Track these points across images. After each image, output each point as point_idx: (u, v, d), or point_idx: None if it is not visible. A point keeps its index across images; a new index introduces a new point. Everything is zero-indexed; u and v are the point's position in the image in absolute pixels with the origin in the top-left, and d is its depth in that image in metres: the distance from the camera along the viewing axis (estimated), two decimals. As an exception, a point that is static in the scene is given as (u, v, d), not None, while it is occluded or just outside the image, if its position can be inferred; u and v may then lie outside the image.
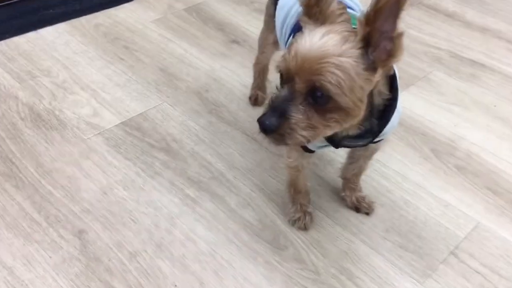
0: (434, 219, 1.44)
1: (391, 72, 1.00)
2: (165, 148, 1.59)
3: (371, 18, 0.87)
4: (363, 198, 1.45)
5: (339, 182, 1.46)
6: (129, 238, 1.33)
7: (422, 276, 1.28)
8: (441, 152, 1.64)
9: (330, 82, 0.88)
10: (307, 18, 0.96)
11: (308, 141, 0.96)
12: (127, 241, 1.32)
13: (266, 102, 0.99)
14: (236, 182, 1.50)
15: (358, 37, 0.90)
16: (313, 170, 1.56)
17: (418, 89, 1.89)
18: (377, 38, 0.89)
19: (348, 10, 1.02)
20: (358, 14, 0.99)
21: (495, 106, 1.84)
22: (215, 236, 1.35)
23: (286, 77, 0.93)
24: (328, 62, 0.88)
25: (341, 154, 1.52)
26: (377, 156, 1.43)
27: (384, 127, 1.08)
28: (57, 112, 1.68)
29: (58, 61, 1.90)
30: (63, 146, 1.57)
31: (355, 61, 0.89)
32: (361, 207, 1.44)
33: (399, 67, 1.07)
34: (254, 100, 1.77)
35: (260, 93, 1.76)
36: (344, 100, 0.91)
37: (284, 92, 0.93)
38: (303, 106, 0.92)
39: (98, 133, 1.62)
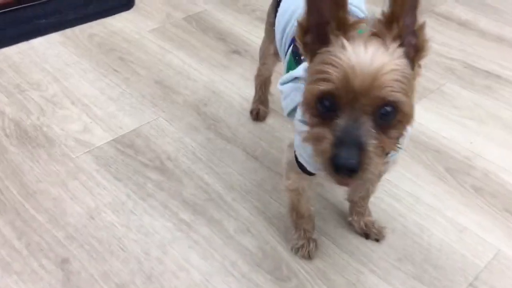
0: (450, 246, 1.32)
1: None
2: (159, 167, 1.48)
3: (396, 15, 0.79)
4: (373, 223, 1.33)
5: (346, 204, 1.35)
6: (117, 268, 1.21)
7: (439, 312, 1.17)
8: (456, 171, 1.52)
9: (399, 92, 0.78)
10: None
11: (383, 170, 0.84)
12: (114, 271, 1.21)
13: (330, 140, 0.80)
14: (234, 205, 1.39)
15: (391, 38, 0.80)
16: (317, 192, 1.44)
17: (431, 102, 1.78)
18: (403, 35, 0.81)
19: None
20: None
21: (513, 120, 1.73)
22: (211, 266, 1.23)
23: (346, 100, 0.78)
24: (391, 70, 0.77)
25: (348, 174, 1.40)
26: (387, 175, 1.32)
27: None
28: (45, 129, 1.58)
29: (49, 73, 1.81)
30: (50, 165, 1.47)
31: (405, 63, 0.80)
32: (371, 233, 1.33)
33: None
34: (256, 115, 1.66)
35: (262, 107, 1.65)
36: (408, 108, 0.80)
37: (350, 118, 0.79)
38: (373, 130, 0.80)
39: (88, 151, 1.51)
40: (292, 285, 1.21)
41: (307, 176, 1.14)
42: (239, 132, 1.62)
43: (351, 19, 0.80)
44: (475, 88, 1.87)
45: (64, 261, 1.22)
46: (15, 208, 1.34)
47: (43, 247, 1.25)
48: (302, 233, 1.27)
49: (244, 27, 2.11)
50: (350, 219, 1.34)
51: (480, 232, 1.36)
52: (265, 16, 1.48)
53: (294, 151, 1.10)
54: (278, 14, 1.24)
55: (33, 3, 2.10)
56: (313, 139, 0.84)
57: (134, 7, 2.19)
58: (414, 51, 0.82)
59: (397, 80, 0.78)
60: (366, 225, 1.33)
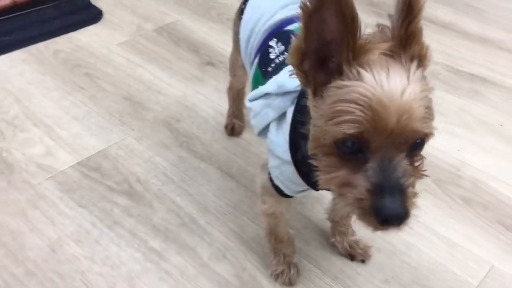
0: (440, 264, 1.23)
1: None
2: (127, 191, 1.38)
3: (415, 33, 0.72)
4: (357, 242, 1.24)
5: (328, 223, 1.26)
6: (80, 306, 1.11)
7: None
8: (444, 182, 1.44)
9: (430, 120, 0.71)
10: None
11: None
12: (77, 310, 1.11)
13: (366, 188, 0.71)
14: (209, 229, 1.29)
15: (409, 58, 0.72)
16: (298, 210, 1.35)
17: (415, 109, 1.69)
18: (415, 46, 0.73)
19: None
20: None
21: (501, 125, 1.65)
22: (183, 299, 1.14)
23: (377, 141, 0.69)
24: (420, 99, 0.69)
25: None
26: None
27: None
28: (4, 154, 1.47)
29: (11, 93, 1.70)
30: (8, 193, 1.36)
31: (427, 84, 0.72)
32: (356, 254, 1.24)
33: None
34: (231, 130, 1.57)
35: (237, 122, 1.56)
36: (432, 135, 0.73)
37: (383, 159, 0.70)
38: (407, 164, 0.72)
39: (50, 177, 1.40)
40: (272, 316, 1.11)
41: (285, 199, 1.05)
42: (214, 149, 1.52)
43: (363, 41, 0.70)
44: (461, 92, 1.79)
45: (22, 301, 1.12)
46: (-31, 243, 1.23)
47: (0, 285, 1.15)
48: (281, 258, 1.18)
49: (219, 37, 2.02)
50: (333, 240, 1.25)
51: (472, 247, 1.27)
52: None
53: (269, 173, 1.01)
54: (242, 22, 1.15)
55: (-4, 20, 2.00)
56: (339, 184, 0.75)
57: (102, 20, 2.09)
58: (418, 60, 0.73)
59: (427, 108, 0.70)
60: (350, 245, 1.24)
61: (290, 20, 1.03)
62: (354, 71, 0.69)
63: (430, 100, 0.72)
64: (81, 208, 1.32)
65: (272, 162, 0.98)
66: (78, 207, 1.33)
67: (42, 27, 2.01)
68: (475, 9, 2.27)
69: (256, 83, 1.02)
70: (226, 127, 1.58)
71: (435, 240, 1.29)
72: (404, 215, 0.71)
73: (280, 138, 0.93)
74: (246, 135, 1.57)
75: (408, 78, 0.69)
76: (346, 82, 0.69)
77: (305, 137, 0.84)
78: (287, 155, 0.92)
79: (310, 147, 0.78)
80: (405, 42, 0.72)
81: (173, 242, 1.26)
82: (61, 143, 1.51)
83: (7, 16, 2.03)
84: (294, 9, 1.05)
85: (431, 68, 2.00)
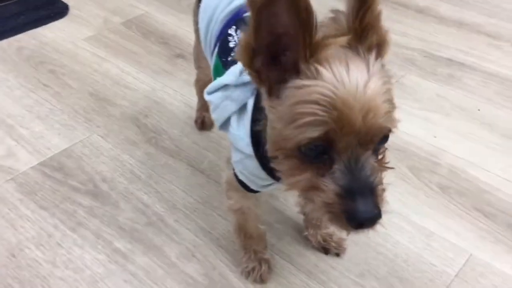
0: (417, 255, 1.19)
1: None
2: (92, 191, 1.32)
3: (372, 23, 0.68)
4: (331, 235, 1.20)
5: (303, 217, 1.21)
6: (39, 313, 1.06)
7: (407, 334, 1.04)
8: (421, 170, 1.40)
9: (392, 112, 0.68)
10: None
11: None
12: (36, 318, 1.05)
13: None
14: (177, 227, 1.24)
15: (366, 49, 0.68)
16: (271, 204, 1.30)
17: (390, 97, 1.65)
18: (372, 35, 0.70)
19: None
20: None
21: (479, 110, 1.61)
22: (149, 301, 1.09)
23: (343, 142, 0.65)
24: (383, 93, 0.66)
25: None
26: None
27: None
28: (-37, 156, 1.41)
29: (-29, 93, 1.63)
30: (-34, 198, 1.30)
31: (387, 75, 0.70)
32: (330, 247, 1.19)
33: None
34: (201, 124, 1.51)
35: (207, 115, 1.51)
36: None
37: (350, 159, 0.67)
38: (374, 161, 0.69)
39: (11, 179, 1.34)
40: (242, 315, 1.07)
41: (251, 194, 1.00)
42: (183, 144, 1.47)
43: (319, 37, 0.65)
44: (437, 78, 1.75)
45: (-22, 310, 1.06)
46: None
47: (-46, 295, 1.09)
48: (252, 255, 1.14)
49: (189, 29, 1.92)
50: (306, 233, 1.21)
51: (449, 236, 1.24)
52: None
53: (233, 168, 0.96)
54: (200, 10, 1.10)
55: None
56: (305, 188, 0.70)
57: (68, 14, 2.02)
58: (377, 48, 0.69)
59: (389, 100, 0.66)
60: (323, 238, 1.19)
61: (248, 6, 0.98)
62: (312, 69, 0.65)
63: (391, 90, 0.68)
64: (42, 210, 1.27)
65: (235, 157, 0.93)
66: (39, 209, 1.27)
67: (5, 24, 1.94)
68: (451, -8, 2.24)
69: (217, 74, 0.97)
70: (196, 121, 1.53)
71: (411, 230, 1.25)
72: (377, 216, 0.67)
73: (241, 131, 0.88)
74: (217, 128, 1.52)
75: (368, 71, 0.66)
76: (305, 82, 0.65)
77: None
78: (249, 149, 0.87)
79: (269, 149, 0.74)
80: (361, 34, 0.68)
81: (140, 243, 1.20)
82: (23, 143, 1.45)
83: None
84: (254, -6, 1.00)
85: (407, 54, 1.97)
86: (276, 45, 0.66)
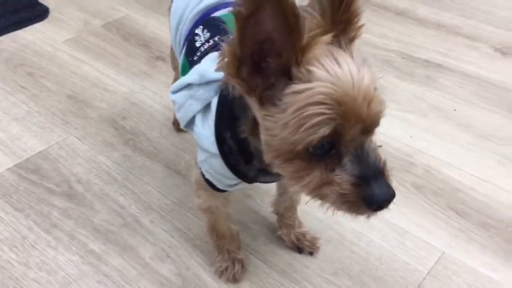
0: (391, 253, 1.20)
1: None
2: (67, 193, 1.32)
3: (353, 16, 0.71)
4: (304, 234, 1.21)
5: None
6: (11, 315, 1.06)
7: (378, 332, 1.05)
8: (396, 170, 1.41)
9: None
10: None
11: None
12: (8, 320, 1.05)
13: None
14: (153, 228, 1.24)
15: (347, 42, 0.71)
16: (247, 204, 1.31)
17: (368, 98, 1.67)
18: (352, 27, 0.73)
19: None
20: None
21: (455, 110, 1.63)
22: (123, 302, 1.09)
23: (348, 135, 0.68)
24: (372, 80, 0.69)
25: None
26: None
27: None
28: None
29: None
30: None
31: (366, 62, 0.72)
32: (303, 246, 1.20)
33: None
34: (178, 125, 1.51)
35: (184, 116, 1.51)
36: None
37: (356, 148, 0.69)
38: (376, 147, 0.72)
39: (-15, 181, 1.35)
40: (215, 315, 1.07)
41: (219, 194, 1.01)
42: (161, 146, 1.47)
43: (308, 39, 0.65)
44: (415, 79, 1.77)
45: None
46: None
47: None
48: (226, 255, 1.14)
49: (169, 31, 1.96)
50: (279, 233, 1.22)
51: (422, 235, 1.25)
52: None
53: (200, 167, 0.97)
54: (171, 11, 1.11)
55: None
56: (317, 187, 0.72)
57: (49, 17, 2.02)
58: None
59: (377, 88, 0.69)
60: (297, 237, 1.20)
61: (217, 7, 0.99)
62: (304, 71, 0.66)
63: (375, 77, 0.71)
64: (17, 212, 1.26)
65: (201, 156, 0.94)
66: (14, 211, 1.27)
67: (-15, 27, 1.94)
68: (430, -6, 2.26)
69: (184, 74, 0.97)
70: (174, 122, 1.53)
71: (385, 229, 1.26)
72: (393, 194, 0.71)
73: (206, 130, 0.89)
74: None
75: (355, 62, 0.68)
76: (302, 86, 0.66)
77: (237, 132, 0.81)
78: (214, 148, 0.88)
79: (269, 156, 0.74)
80: (344, 27, 0.70)
81: (115, 244, 1.21)
82: (-1, 145, 1.45)
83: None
84: (222, -6, 1.01)
85: (386, 55, 1.98)
86: (258, 53, 0.67)
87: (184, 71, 0.98)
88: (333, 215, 0.75)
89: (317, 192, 0.73)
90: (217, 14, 0.98)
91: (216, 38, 0.94)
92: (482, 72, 1.80)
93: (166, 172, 1.40)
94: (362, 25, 0.72)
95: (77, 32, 1.95)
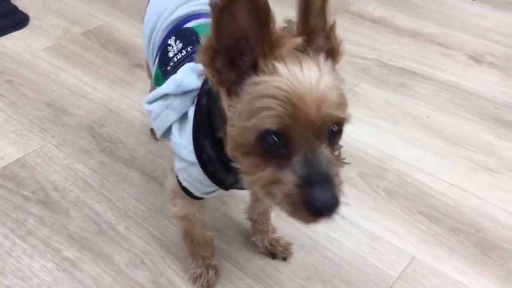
0: (362, 258, 1.23)
1: None
2: (43, 200, 1.33)
3: (317, 28, 0.73)
4: (277, 240, 1.23)
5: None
6: (-16, 323, 1.07)
7: (347, 335, 1.07)
8: (369, 176, 1.44)
9: (344, 107, 0.72)
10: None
11: None
12: (-19, 327, 1.06)
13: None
14: (128, 235, 1.26)
15: (313, 51, 0.73)
16: (222, 210, 1.33)
17: (344, 105, 1.69)
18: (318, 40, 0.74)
19: None
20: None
21: (428, 117, 1.66)
22: (96, 308, 1.10)
23: (299, 134, 0.69)
24: (333, 88, 0.70)
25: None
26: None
27: None
28: None
29: None
30: None
31: (336, 74, 0.74)
32: (277, 252, 1.22)
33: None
34: (156, 132, 1.53)
35: (162, 124, 1.53)
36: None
37: (307, 151, 0.70)
38: (330, 154, 0.72)
39: (-39, 189, 1.35)
40: (188, 320, 1.09)
41: (195, 201, 1.02)
42: (138, 153, 1.49)
43: (278, 34, 0.69)
44: (389, 86, 1.80)
45: None
46: None
47: None
48: (200, 261, 1.16)
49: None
50: (253, 238, 1.24)
51: (393, 239, 1.28)
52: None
53: (177, 176, 0.98)
54: (145, 19, 1.12)
55: None
56: (267, 183, 0.73)
57: (29, 25, 2.03)
58: (330, 55, 0.74)
59: (340, 96, 0.71)
60: (270, 243, 1.22)
61: (189, 17, 1.01)
62: (270, 66, 0.69)
63: (342, 88, 0.73)
64: (-8, 220, 1.27)
65: (179, 165, 0.95)
66: (-11, 218, 1.28)
67: (-37, 35, 1.94)
68: (405, 3, 2.30)
69: (157, 83, 0.99)
70: (151, 130, 1.54)
71: (357, 234, 1.28)
72: (335, 204, 0.71)
73: (183, 139, 0.90)
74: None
75: (319, 70, 0.70)
76: (263, 78, 0.69)
77: (217, 140, 0.83)
78: (192, 157, 0.90)
79: (229, 148, 0.76)
80: (309, 37, 0.72)
81: (89, 251, 1.22)
82: (-25, 154, 1.46)
83: None
84: (195, 5, 1.04)
85: (362, 63, 2.02)
86: (234, 50, 0.70)
87: (157, 81, 1.00)
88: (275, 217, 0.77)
89: (267, 189, 0.74)
90: (189, 25, 1.00)
91: (188, 49, 0.96)
92: (456, 79, 1.84)
93: (143, 179, 1.41)
94: (334, 42, 0.74)
95: (56, 40, 1.96)
